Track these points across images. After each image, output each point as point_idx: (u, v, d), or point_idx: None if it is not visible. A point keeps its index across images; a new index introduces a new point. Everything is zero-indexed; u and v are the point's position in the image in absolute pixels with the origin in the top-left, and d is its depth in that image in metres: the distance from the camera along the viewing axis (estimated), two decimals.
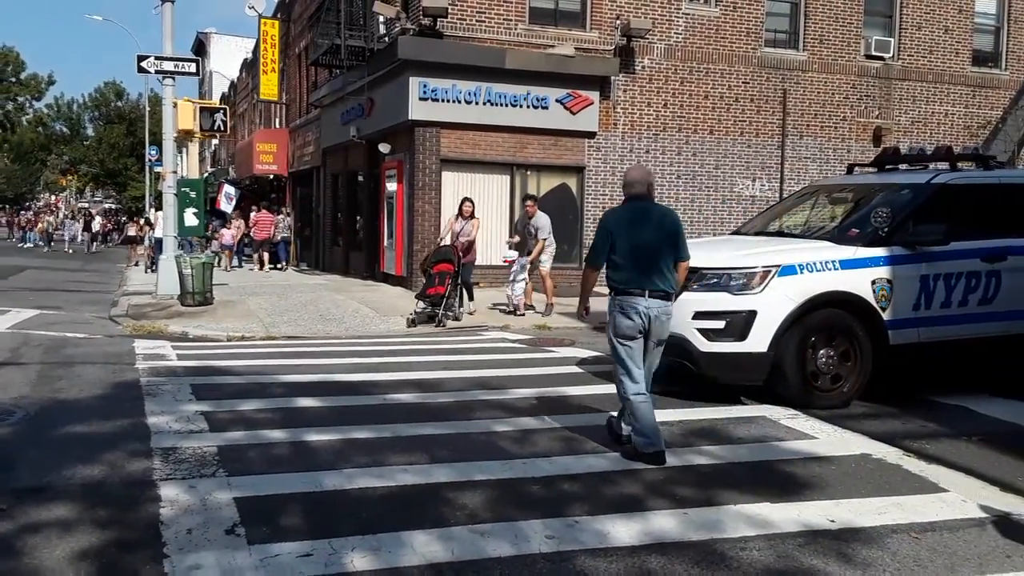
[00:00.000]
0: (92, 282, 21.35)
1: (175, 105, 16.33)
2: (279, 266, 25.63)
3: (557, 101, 17.71)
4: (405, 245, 18.01)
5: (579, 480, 5.00)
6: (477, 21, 17.29)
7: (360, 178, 22.29)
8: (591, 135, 18.24)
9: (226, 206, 27.97)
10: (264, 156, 30.56)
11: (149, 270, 22.40)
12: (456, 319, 12.59)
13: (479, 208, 16.88)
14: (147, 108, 45.62)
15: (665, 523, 4.32)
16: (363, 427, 6.12)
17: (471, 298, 13.58)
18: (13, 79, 54.73)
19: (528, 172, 18.04)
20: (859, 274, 6.99)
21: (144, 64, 15.77)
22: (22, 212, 56.26)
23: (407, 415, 6.62)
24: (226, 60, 49.22)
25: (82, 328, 11.89)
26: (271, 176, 31.89)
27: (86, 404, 6.81)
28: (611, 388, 7.66)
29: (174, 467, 5.07)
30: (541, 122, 17.70)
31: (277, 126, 33.35)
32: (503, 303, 13.88)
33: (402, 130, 17.83)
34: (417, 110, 16.96)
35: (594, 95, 18.00)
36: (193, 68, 16.78)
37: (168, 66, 15.81)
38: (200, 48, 54.57)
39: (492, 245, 16.72)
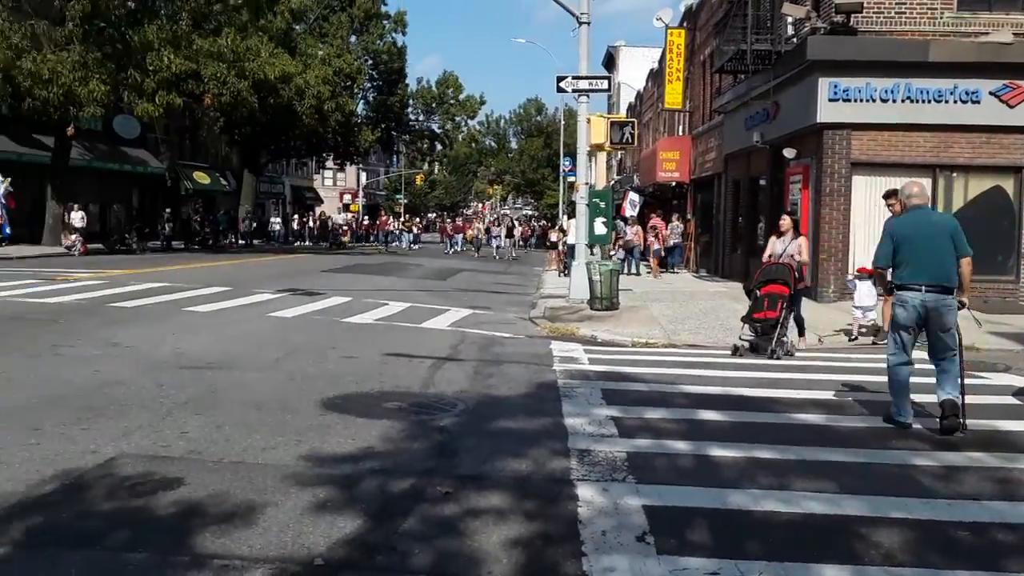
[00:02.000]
0: (514, 284, 23.60)
1: (588, 121, 17.43)
2: (673, 270, 26.55)
3: (990, 94, 15.88)
4: (809, 255, 17.32)
5: (1017, 531, 4.47)
6: (896, 13, 16.10)
7: (762, 183, 21.91)
8: None
9: (630, 212, 29.19)
10: (667, 164, 31.35)
11: (562, 274, 24.14)
12: (788, 354, 10.69)
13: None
14: (562, 122, 49.15)
15: None
16: (766, 446, 6.06)
17: (802, 332, 11.50)
18: (453, 101, 62.29)
19: (953, 174, 16.39)
20: None
21: (562, 84, 17.08)
22: (447, 220, 63.02)
23: (812, 437, 6.43)
24: (633, 71, 51.29)
25: (506, 328, 13.22)
26: (672, 183, 32.61)
27: (513, 401, 7.56)
28: None
29: (588, 469, 5.44)
30: (969, 118, 16.00)
31: (680, 133, 33.98)
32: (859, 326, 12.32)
33: (808, 133, 17.22)
34: (826, 112, 16.28)
35: None
36: (605, 85, 17.83)
37: (583, 84, 16.95)
38: (610, 61, 57.50)
39: None
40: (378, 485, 4.96)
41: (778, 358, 10.39)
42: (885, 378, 6.80)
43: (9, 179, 26.00)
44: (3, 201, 25.77)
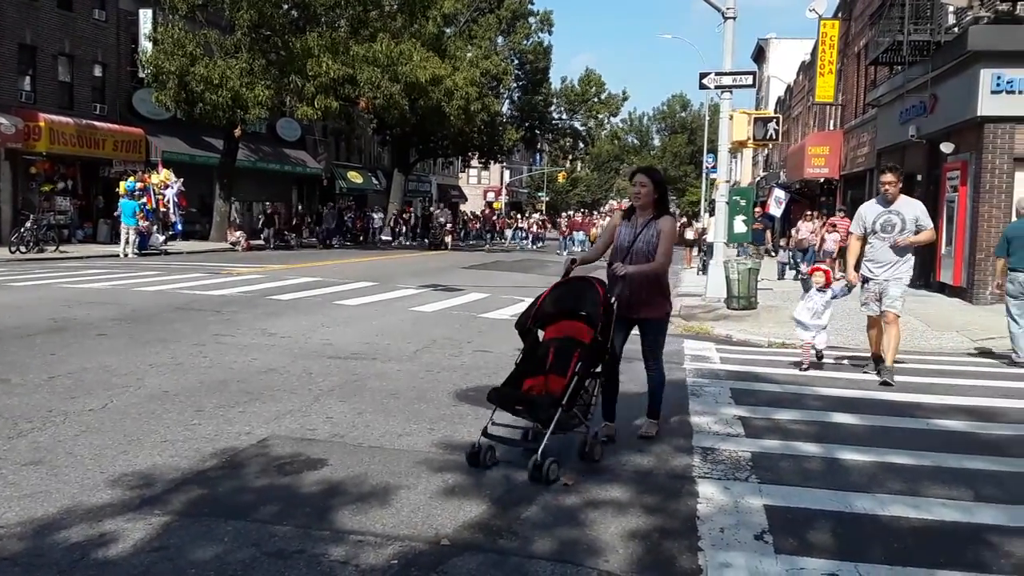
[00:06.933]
0: None
1: (731, 117, 17.16)
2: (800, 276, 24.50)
3: None
4: (966, 254, 16.45)
5: None
6: None
7: (918, 179, 20.88)
8: None
9: (775, 210, 28.35)
10: (815, 159, 30.35)
11: (700, 273, 23.77)
12: (592, 458, 5.49)
13: None
14: (706, 118, 48.26)
15: None
16: (901, 452, 5.91)
17: (656, 410, 6.33)
18: (595, 99, 62.31)
19: None
20: None
21: (705, 81, 16.85)
22: (559, 218, 58.39)
23: (952, 444, 6.20)
24: (784, 64, 49.77)
25: None
26: (821, 179, 31.52)
27: (639, 398, 7.51)
28: None
29: (711, 467, 5.49)
30: None
31: (831, 128, 32.76)
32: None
33: (968, 127, 16.34)
34: (987, 105, 15.41)
35: None
36: (749, 80, 17.43)
37: (726, 80, 16.67)
38: (759, 54, 55.98)
39: None
40: (503, 474, 5.19)
41: (555, 480, 5.01)
42: None
43: (182, 179, 28.08)
44: (175, 199, 27.85)
